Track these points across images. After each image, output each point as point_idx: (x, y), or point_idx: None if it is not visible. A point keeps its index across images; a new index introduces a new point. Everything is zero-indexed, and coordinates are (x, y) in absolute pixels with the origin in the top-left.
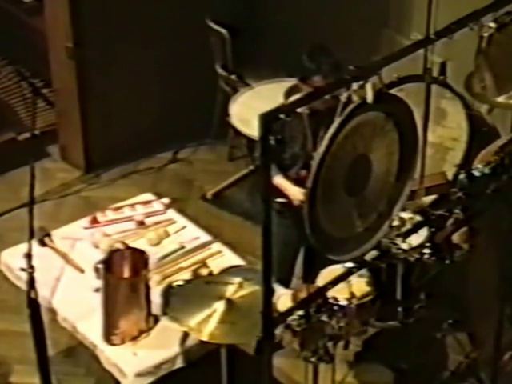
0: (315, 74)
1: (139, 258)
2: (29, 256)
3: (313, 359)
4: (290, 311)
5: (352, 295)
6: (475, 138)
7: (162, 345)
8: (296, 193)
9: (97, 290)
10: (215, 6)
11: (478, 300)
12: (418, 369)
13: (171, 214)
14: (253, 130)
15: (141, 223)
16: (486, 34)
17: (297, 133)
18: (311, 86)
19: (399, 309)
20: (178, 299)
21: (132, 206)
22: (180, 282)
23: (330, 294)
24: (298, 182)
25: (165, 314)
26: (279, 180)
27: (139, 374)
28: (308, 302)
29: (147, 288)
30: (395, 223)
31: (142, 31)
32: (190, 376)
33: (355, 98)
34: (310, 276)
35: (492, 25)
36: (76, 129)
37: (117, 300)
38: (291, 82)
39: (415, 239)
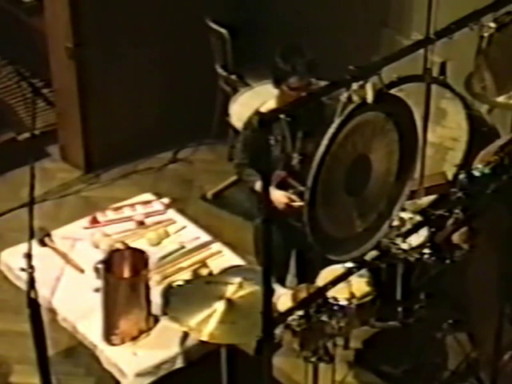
0: (290, 75)
1: (139, 258)
2: (29, 256)
3: (313, 359)
4: (290, 311)
5: (352, 295)
6: (475, 138)
7: (162, 345)
8: (279, 196)
9: (97, 290)
10: (215, 5)
11: (478, 300)
12: (417, 369)
13: (171, 213)
14: None
15: (141, 223)
16: (486, 34)
17: (276, 136)
18: (288, 87)
19: (399, 309)
20: (177, 299)
21: (132, 205)
22: (180, 282)
23: (330, 294)
24: (280, 185)
25: (165, 314)
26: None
27: (139, 374)
28: (308, 302)
29: (147, 288)
30: (395, 223)
31: (142, 31)
32: (190, 376)
33: (355, 97)
34: (303, 276)
35: (492, 25)
36: (76, 129)
37: (117, 300)
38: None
39: (415, 239)
